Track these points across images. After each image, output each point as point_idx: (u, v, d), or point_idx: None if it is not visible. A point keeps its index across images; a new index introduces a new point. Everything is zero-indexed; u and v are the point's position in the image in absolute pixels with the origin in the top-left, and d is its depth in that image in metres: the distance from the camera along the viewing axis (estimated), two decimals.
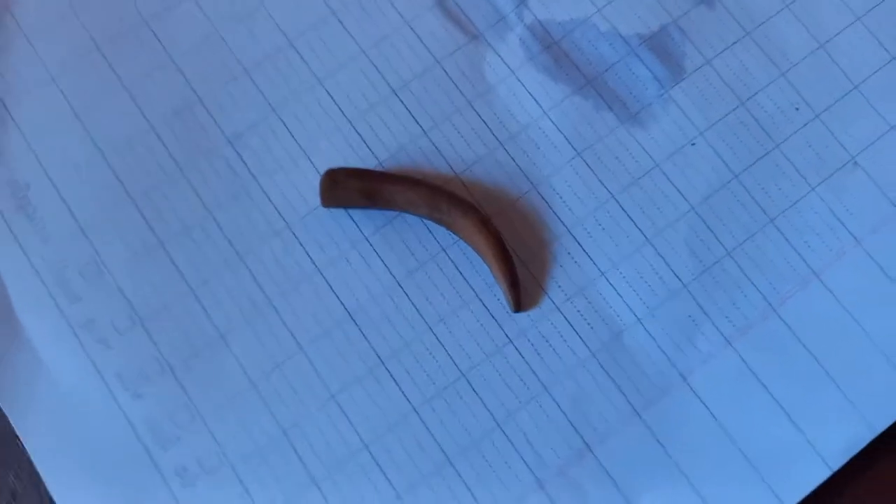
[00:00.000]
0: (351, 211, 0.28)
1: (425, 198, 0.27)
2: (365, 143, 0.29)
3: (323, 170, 0.28)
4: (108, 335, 0.27)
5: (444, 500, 0.25)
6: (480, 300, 0.27)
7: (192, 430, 0.26)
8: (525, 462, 0.26)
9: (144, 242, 0.28)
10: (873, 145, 0.28)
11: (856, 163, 0.28)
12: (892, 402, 0.26)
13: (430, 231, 0.28)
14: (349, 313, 0.27)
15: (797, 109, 0.28)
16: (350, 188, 0.27)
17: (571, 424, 0.26)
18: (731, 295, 0.27)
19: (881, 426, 0.26)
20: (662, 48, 0.29)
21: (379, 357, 0.27)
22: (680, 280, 0.27)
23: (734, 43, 0.29)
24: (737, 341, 0.26)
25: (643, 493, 0.25)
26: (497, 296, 0.27)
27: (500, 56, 0.29)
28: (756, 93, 0.29)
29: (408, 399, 0.26)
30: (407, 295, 0.27)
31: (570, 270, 0.27)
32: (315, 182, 0.28)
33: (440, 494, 0.25)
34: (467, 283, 0.27)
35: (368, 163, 0.28)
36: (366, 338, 0.27)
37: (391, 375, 0.26)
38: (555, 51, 0.29)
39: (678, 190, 0.28)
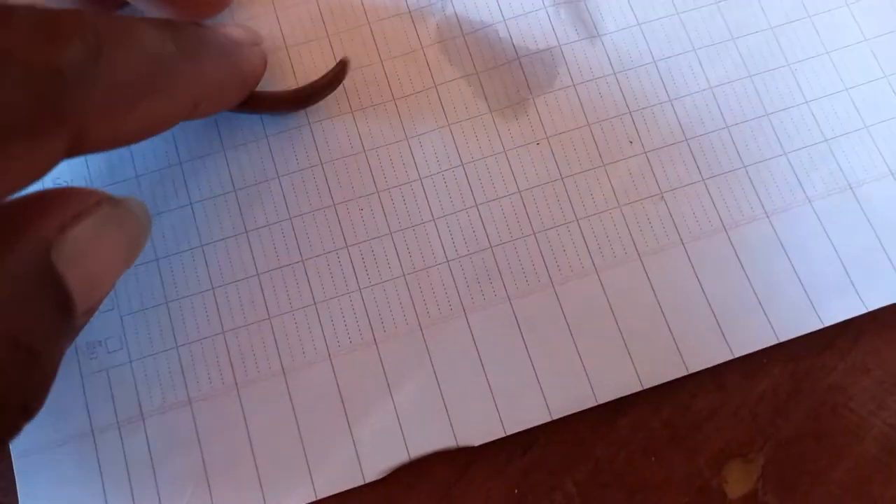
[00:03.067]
0: None
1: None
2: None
3: None
4: None
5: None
6: None
7: None
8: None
9: None
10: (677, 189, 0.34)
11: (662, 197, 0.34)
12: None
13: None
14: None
15: (630, 143, 0.35)
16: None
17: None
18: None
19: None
20: (542, 63, 0.36)
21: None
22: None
23: (599, 77, 0.36)
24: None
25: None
26: None
27: (416, 31, 0.36)
28: (602, 120, 0.35)
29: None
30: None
31: None
32: None
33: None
34: None
35: None
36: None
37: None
38: (459, 41, 0.36)
39: (513, 174, 0.35)
